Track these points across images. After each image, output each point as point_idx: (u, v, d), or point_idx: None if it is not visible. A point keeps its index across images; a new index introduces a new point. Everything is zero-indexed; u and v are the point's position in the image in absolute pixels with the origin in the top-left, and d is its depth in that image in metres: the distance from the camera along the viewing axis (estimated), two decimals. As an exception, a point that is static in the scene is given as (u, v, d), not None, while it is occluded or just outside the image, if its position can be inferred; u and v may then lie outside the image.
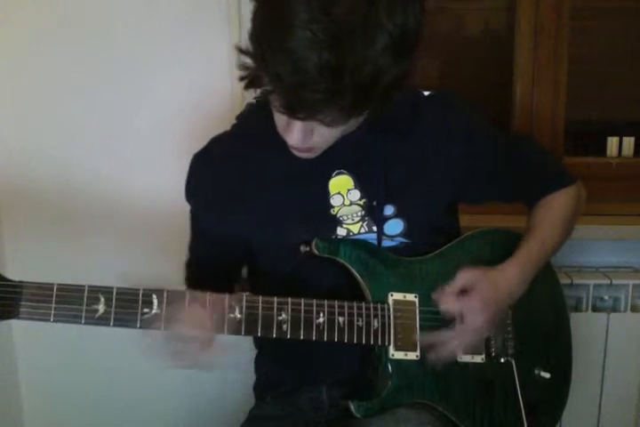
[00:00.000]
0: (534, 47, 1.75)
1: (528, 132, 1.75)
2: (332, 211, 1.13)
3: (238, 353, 1.04)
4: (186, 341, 0.97)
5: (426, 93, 1.18)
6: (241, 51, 0.90)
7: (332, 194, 1.13)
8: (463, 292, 1.10)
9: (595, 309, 1.68)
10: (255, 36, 0.88)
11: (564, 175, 1.29)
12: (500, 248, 1.21)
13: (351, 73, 0.84)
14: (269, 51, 0.85)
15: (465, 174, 1.18)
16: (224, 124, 1.23)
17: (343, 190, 1.13)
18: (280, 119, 0.99)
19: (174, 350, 0.97)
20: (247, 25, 0.90)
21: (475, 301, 1.09)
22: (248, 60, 0.90)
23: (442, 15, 1.88)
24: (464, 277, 1.11)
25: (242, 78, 0.92)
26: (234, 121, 1.21)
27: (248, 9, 0.92)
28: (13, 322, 0.93)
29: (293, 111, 0.90)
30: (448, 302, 1.10)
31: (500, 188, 1.24)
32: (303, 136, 0.97)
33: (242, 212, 1.15)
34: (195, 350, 0.98)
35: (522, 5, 1.74)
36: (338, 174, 1.13)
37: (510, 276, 1.14)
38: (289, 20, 0.83)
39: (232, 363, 1.11)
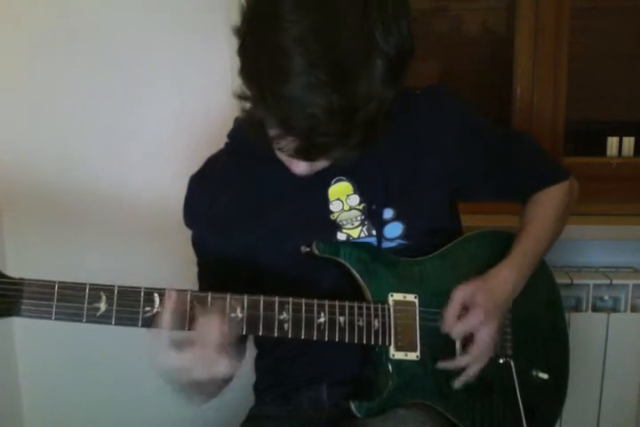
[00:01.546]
0: (534, 47, 1.75)
1: (528, 132, 1.75)
2: (331, 216, 1.13)
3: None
4: (205, 345, 0.92)
5: (417, 92, 1.17)
6: (239, 97, 0.89)
7: (331, 200, 1.13)
8: (464, 308, 1.11)
9: (595, 309, 1.68)
10: (253, 80, 0.86)
11: (556, 171, 1.29)
12: (499, 249, 1.21)
13: (361, 112, 0.83)
14: (272, 97, 0.83)
15: (459, 173, 1.18)
16: (223, 124, 1.23)
17: (342, 196, 1.13)
18: (282, 154, 0.98)
19: (186, 356, 0.92)
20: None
21: (478, 315, 1.09)
22: (248, 104, 0.89)
23: (442, 15, 1.88)
24: (460, 295, 1.11)
25: (245, 120, 0.92)
26: (226, 139, 1.20)
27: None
28: (15, 322, 0.93)
29: (306, 156, 0.90)
30: (455, 327, 1.10)
31: (495, 184, 1.24)
32: (309, 168, 0.98)
33: (243, 227, 1.14)
34: (210, 356, 0.92)
35: (522, 5, 1.74)
36: (337, 181, 1.13)
37: (506, 279, 1.15)
38: (289, 65, 0.81)
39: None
